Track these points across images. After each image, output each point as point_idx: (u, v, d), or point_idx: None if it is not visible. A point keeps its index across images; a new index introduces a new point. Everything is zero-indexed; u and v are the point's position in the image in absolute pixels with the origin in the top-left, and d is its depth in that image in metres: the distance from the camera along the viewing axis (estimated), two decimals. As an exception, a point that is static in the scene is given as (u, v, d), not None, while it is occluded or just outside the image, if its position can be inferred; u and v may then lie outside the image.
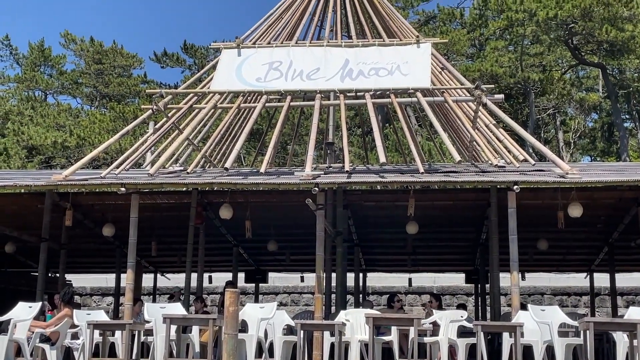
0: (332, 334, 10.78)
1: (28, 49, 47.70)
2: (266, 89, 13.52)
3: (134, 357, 10.89)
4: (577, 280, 23.80)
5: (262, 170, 11.76)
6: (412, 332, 10.33)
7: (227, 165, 11.76)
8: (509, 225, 10.99)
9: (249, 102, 14.75)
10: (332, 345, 10.75)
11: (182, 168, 14.29)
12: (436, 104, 14.55)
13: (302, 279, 21.26)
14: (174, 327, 10.45)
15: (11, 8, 76.50)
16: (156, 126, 13.87)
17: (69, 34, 46.20)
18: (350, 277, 15.69)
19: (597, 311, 23.30)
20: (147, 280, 20.66)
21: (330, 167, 14.50)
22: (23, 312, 11.20)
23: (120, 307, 17.79)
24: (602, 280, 20.97)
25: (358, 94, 13.59)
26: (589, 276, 19.89)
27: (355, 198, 14.45)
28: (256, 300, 20.51)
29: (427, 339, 11.25)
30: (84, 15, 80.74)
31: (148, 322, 11.17)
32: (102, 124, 34.96)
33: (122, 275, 15.45)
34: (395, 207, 14.03)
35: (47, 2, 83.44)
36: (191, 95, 14.20)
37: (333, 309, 13.79)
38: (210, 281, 20.88)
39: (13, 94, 44.70)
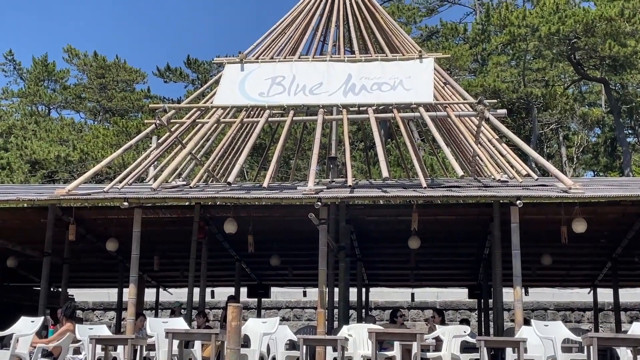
0: (334, 349, 10.73)
1: (32, 63, 47.87)
2: (269, 104, 13.53)
3: (136, 372, 10.85)
4: (581, 295, 23.73)
5: (265, 184, 11.75)
6: (415, 348, 10.29)
7: (230, 179, 11.76)
8: (512, 240, 10.97)
9: (252, 117, 14.76)
10: (335, 360, 10.71)
11: (184, 182, 14.30)
12: (439, 119, 14.55)
13: (304, 294, 21.22)
14: (176, 342, 10.42)
15: (16, 24, 76.76)
16: (159, 141, 13.88)
17: (72, 49, 46.37)
18: (352, 292, 15.65)
19: (601, 326, 23.21)
20: (150, 294, 20.62)
21: (333, 181, 14.50)
22: (25, 327, 11.18)
23: (122, 322, 17.75)
24: (605, 295, 20.89)
25: (361, 108, 13.60)
26: (592, 291, 19.83)
27: (358, 213, 14.42)
28: (259, 315, 20.47)
29: (430, 355, 11.20)
30: (88, 30, 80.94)
31: (150, 336, 11.14)
32: (105, 138, 35.01)
33: (125, 290, 15.42)
34: (398, 221, 14.01)
35: (50, 16, 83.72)
36: (194, 109, 14.22)
37: (336, 324, 13.75)
38: (212, 296, 20.83)
39: (17, 109, 44.83)
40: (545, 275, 18.04)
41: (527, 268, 14.19)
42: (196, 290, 14.19)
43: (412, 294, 21.43)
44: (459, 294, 23.94)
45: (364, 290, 18.84)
